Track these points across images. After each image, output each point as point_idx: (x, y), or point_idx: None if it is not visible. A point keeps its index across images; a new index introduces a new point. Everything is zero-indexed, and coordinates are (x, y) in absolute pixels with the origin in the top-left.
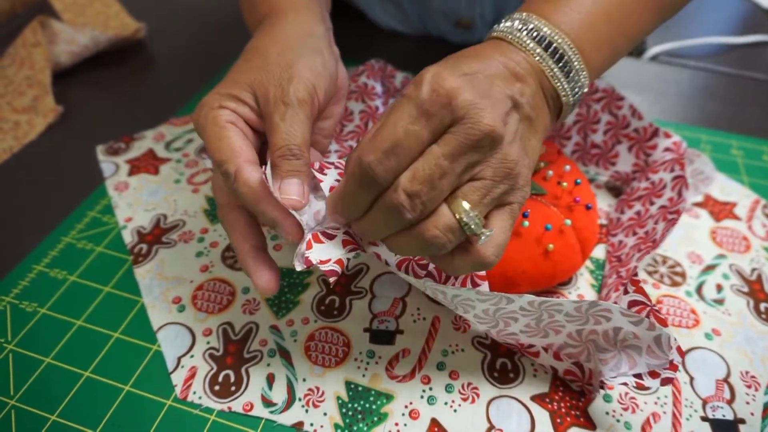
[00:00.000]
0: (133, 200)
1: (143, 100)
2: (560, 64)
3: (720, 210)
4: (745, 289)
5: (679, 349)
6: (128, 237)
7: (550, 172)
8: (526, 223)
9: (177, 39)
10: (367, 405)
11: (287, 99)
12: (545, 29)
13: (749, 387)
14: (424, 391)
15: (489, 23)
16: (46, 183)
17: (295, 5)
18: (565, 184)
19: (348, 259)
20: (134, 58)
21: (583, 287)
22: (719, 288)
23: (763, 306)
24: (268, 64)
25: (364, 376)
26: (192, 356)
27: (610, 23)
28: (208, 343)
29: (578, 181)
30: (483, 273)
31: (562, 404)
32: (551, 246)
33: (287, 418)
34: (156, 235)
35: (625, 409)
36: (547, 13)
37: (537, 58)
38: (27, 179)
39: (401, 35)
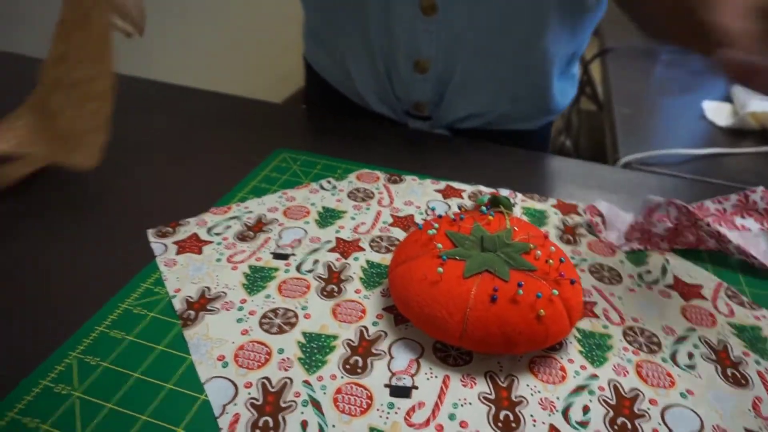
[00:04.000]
0: (181, 275)
1: (185, 191)
2: None
3: (689, 291)
4: (713, 357)
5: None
6: (178, 305)
7: (539, 253)
8: (521, 291)
9: (215, 135)
10: None
11: None
12: None
13: None
14: None
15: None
16: (105, 258)
17: None
18: (551, 261)
19: None
20: (176, 153)
21: (572, 353)
22: (690, 355)
23: (729, 371)
24: None
25: (385, 423)
26: (235, 404)
27: None
28: (249, 393)
29: (562, 259)
30: None
31: None
32: (542, 311)
33: None
34: (202, 304)
35: None
36: None
37: None
38: (88, 251)
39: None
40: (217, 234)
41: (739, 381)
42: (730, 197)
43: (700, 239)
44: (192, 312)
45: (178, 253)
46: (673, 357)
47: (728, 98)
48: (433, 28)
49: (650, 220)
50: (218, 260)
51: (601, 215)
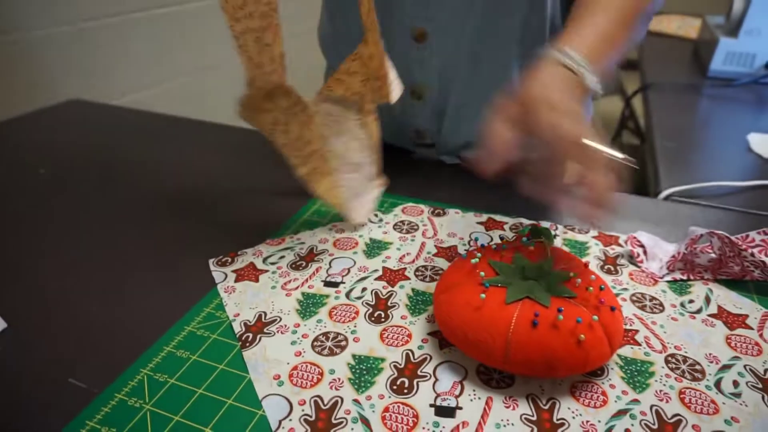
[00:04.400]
0: (240, 300)
1: (243, 225)
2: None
3: (733, 321)
4: (759, 386)
5: None
6: (237, 327)
7: (579, 280)
8: (561, 317)
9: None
10: None
11: None
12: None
13: None
14: None
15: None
16: (172, 284)
17: None
18: (591, 288)
19: None
20: (234, 190)
21: (614, 378)
22: (736, 384)
23: None
24: None
25: None
26: (290, 420)
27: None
28: (302, 410)
29: (602, 287)
30: None
31: None
32: (582, 336)
33: None
34: (259, 327)
35: None
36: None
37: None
38: (158, 278)
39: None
40: (272, 263)
41: None
42: None
43: (744, 270)
44: (250, 334)
45: (237, 280)
46: (717, 385)
47: None
48: (424, 54)
49: (693, 250)
50: (273, 287)
51: (642, 246)
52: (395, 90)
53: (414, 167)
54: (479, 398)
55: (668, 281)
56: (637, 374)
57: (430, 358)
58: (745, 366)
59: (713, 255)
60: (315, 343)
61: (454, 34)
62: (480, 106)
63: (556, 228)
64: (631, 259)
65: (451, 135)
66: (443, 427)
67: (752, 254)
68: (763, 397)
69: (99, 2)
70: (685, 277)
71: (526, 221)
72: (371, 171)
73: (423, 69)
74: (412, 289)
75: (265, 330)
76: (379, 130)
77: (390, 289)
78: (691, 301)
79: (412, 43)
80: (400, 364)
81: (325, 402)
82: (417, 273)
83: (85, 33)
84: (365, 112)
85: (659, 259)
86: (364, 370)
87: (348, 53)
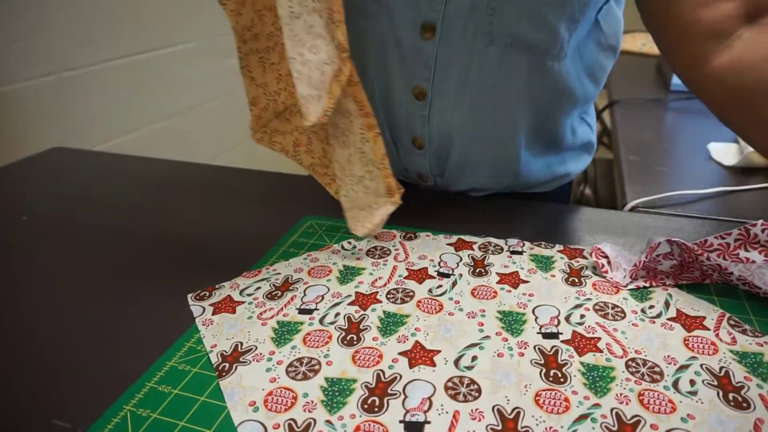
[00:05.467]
0: (217, 332)
1: (221, 259)
2: None
3: (691, 323)
4: (714, 383)
5: None
6: (214, 358)
7: None
8: None
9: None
10: None
11: None
12: None
13: None
14: None
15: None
16: (154, 320)
17: None
18: None
19: None
20: (213, 225)
21: (576, 385)
22: (692, 382)
23: (731, 395)
24: None
25: None
26: None
27: None
28: None
29: None
30: None
31: None
32: None
33: None
34: (235, 356)
35: None
36: None
37: None
38: (138, 315)
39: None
40: (249, 294)
41: (741, 404)
42: (732, 232)
43: (704, 273)
44: (226, 364)
45: (214, 313)
46: (675, 384)
47: (734, 139)
48: (425, 112)
49: (654, 259)
50: (249, 317)
51: (606, 257)
52: (309, 113)
53: (422, 199)
54: (447, 412)
55: (631, 289)
56: (599, 380)
57: (400, 376)
58: (701, 365)
59: (674, 262)
60: (289, 369)
61: (454, 96)
62: (485, 160)
63: (523, 244)
64: (596, 270)
65: (454, 182)
66: None
67: (708, 258)
68: (718, 394)
69: (79, 53)
70: (647, 285)
71: (494, 240)
72: (376, 186)
73: (423, 125)
74: (384, 312)
75: (241, 359)
76: (383, 147)
77: (362, 312)
78: (651, 307)
79: (412, 100)
80: (371, 384)
81: (299, 424)
82: (389, 295)
83: (65, 82)
84: (368, 127)
85: (623, 269)
86: (336, 392)
87: None
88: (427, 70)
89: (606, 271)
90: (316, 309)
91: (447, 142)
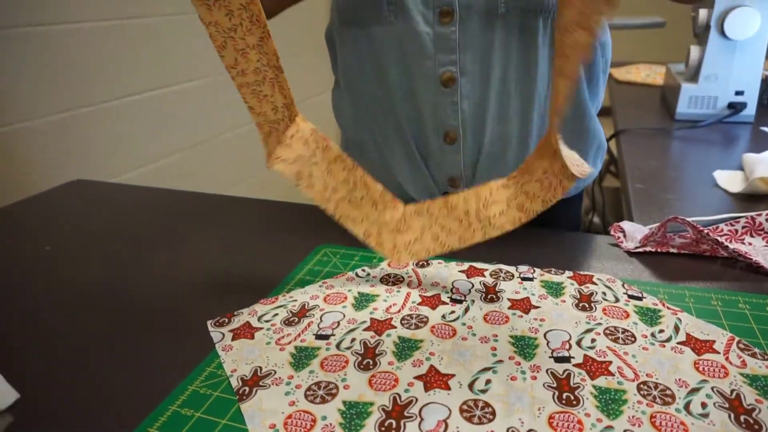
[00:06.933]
0: (237, 357)
1: (239, 288)
2: None
3: (701, 346)
4: (726, 405)
5: None
6: (235, 383)
7: None
8: None
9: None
10: None
11: None
12: None
13: None
14: None
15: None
16: (176, 346)
17: None
18: None
19: None
20: (231, 255)
21: (589, 408)
22: (704, 405)
23: (742, 417)
24: None
25: None
26: None
27: None
28: None
29: None
30: None
31: None
32: None
33: None
34: (255, 380)
35: None
36: None
37: None
38: (162, 344)
39: None
40: (267, 321)
41: (753, 426)
42: (740, 220)
43: (713, 249)
44: (246, 388)
45: (234, 339)
46: (687, 407)
47: (740, 167)
48: (455, 98)
49: (665, 232)
50: (268, 343)
51: (623, 231)
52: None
53: None
54: None
55: (640, 313)
56: (611, 402)
57: (416, 400)
58: (712, 388)
59: (686, 241)
60: (308, 392)
61: (480, 75)
62: (516, 144)
63: (534, 271)
64: (605, 295)
65: (484, 180)
66: None
67: (717, 239)
68: (729, 416)
69: (93, 91)
70: (654, 251)
71: (505, 267)
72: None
73: (455, 113)
74: (399, 337)
75: (260, 383)
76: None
77: (377, 338)
78: (661, 331)
79: (441, 90)
80: (388, 407)
81: None
82: (403, 321)
83: (81, 118)
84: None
85: (636, 240)
86: (354, 415)
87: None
88: (452, 53)
89: (621, 242)
90: (333, 334)
91: (480, 126)
